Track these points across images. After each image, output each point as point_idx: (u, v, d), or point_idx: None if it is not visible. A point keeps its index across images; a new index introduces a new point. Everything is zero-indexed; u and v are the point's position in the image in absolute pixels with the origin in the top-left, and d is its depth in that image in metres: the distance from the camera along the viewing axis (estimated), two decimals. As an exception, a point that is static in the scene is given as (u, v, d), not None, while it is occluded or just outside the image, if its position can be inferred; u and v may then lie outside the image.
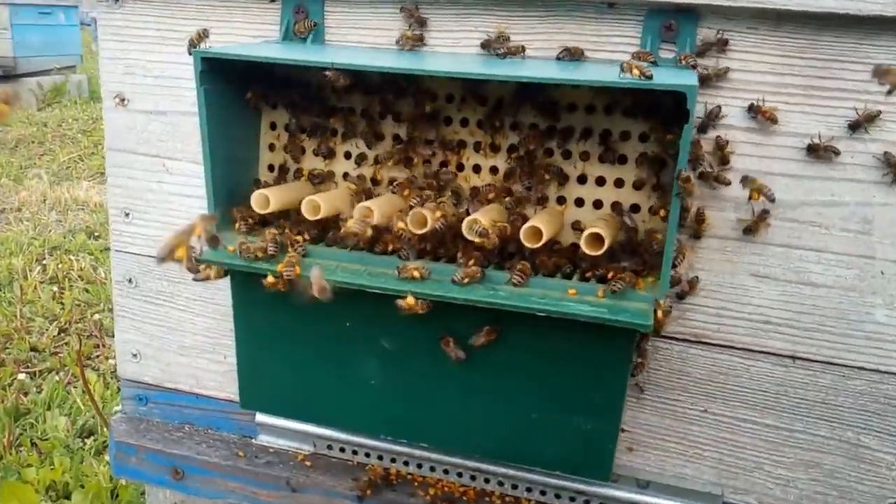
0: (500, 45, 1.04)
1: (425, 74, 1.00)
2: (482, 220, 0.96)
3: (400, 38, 1.08)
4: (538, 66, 0.98)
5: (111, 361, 2.58)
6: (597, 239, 0.93)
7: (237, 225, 1.07)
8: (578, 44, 1.06)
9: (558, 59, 1.02)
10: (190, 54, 1.01)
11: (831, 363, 1.09)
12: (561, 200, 1.07)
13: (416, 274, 0.94)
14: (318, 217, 1.01)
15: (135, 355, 1.41)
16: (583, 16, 1.06)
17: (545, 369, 1.00)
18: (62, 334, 2.89)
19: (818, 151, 1.02)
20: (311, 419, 1.12)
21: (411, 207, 1.01)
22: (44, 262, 3.48)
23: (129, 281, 1.37)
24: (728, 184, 1.04)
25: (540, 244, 0.95)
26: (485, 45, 1.06)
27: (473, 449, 1.08)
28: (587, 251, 0.93)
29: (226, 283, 1.29)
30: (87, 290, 3.20)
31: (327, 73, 0.97)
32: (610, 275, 0.95)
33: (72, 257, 3.52)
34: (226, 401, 1.37)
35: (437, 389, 1.05)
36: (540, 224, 0.94)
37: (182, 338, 1.37)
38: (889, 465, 1.11)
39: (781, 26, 1.00)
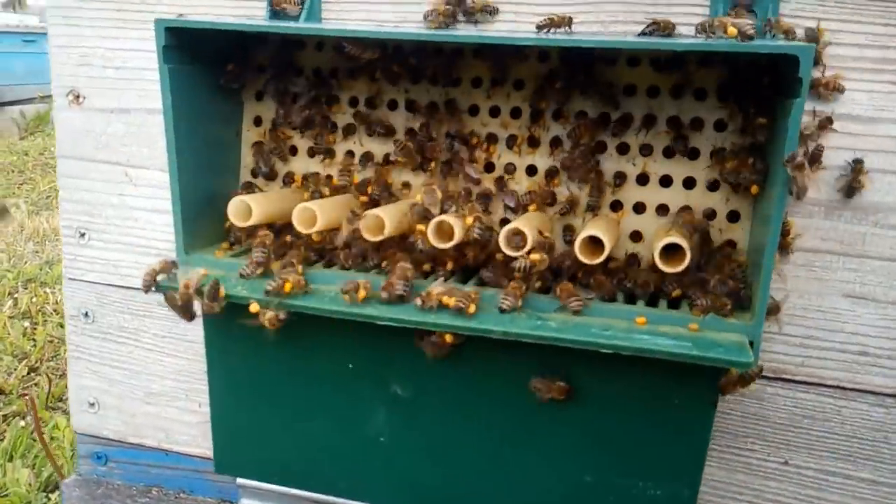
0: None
1: (459, 42, 0.80)
2: (525, 231, 0.76)
3: (429, 13, 0.88)
4: (595, 38, 0.78)
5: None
6: (674, 252, 0.73)
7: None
8: (632, 14, 0.87)
9: (643, 34, 0.82)
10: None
11: (945, 403, 0.90)
12: (616, 206, 0.87)
13: (446, 301, 0.73)
14: (314, 230, 0.80)
15: (92, 404, 1.18)
16: (635, -20, 0.87)
17: (606, 420, 0.79)
18: (32, 374, 2.65)
19: (932, 142, 0.83)
20: (303, 485, 0.90)
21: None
22: (16, 295, 3.25)
23: (86, 315, 1.15)
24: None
25: (600, 260, 0.75)
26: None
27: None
28: (664, 268, 0.73)
29: (201, 317, 1.09)
30: (61, 326, 2.96)
31: (345, 45, 0.76)
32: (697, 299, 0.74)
33: (47, 290, 3.29)
34: (201, 458, 1.16)
35: (465, 447, 0.83)
36: (599, 233, 0.74)
37: (149, 382, 1.15)
38: None
39: (884, -12, 0.81)
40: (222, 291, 0.78)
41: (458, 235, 0.76)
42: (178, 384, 1.14)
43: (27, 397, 1.79)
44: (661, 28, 0.80)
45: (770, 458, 0.97)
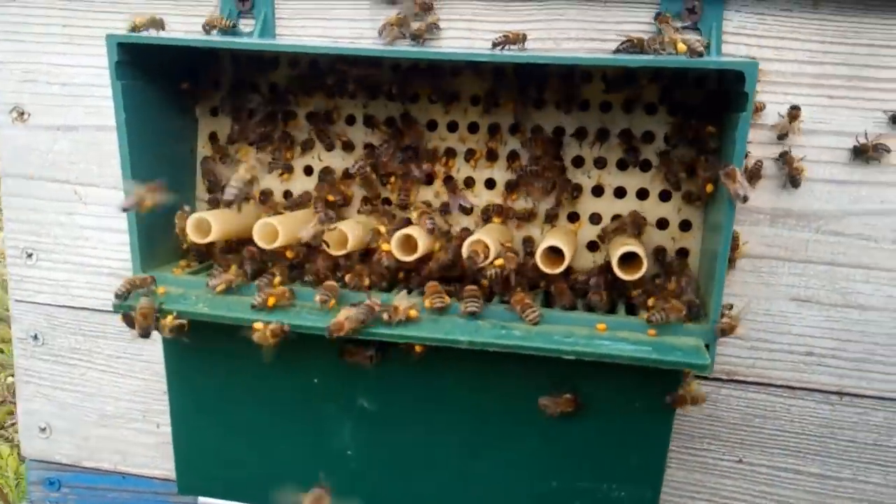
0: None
1: (416, 58, 0.81)
2: (487, 242, 0.77)
3: (383, 28, 0.89)
4: (553, 54, 0.81)
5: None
6: (632, 260, 0.75)
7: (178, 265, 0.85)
8: (584, 31, 0.90)
9: (618, 51, 0.84)
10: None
11: (884, 398, 0.96)
12: (573, 217, 0.89)
13: (413, 314, 0.74)
14: (275, 246, 0.80)
15: (43, 429, 1.15)
16: (589, 1, 0.89)
17: (569, 426, 0.81)
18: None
19: (866, 153, 0.87)
20: (268, 502, 0.90)
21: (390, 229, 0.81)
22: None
23: (35, 338, 1.12)
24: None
25: (560, 269, 0.76)
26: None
27: (481, 530, 0.87)
28: (622, 276, 0.75)
29: (156, 335, 1.07)
30: (0, 351, 2.84)
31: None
32: (650, 302, 0.77)
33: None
34: (161, 480, 1.13)
35: (433, 458, 0.84)
36: (559, 244, 0.76)
37: (103, 404, 1.13)
38: (951, 512, 0.96)
39: (820, 7, 0.86)
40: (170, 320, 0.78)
41: (422, 248, 0.77)
42: (133, 405, 1.12)
43: None
44: (636, 44, 0.82)
45: (725, 456, 1.00)
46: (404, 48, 0.88)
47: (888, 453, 0.96)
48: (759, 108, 0.87)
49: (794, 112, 0.87)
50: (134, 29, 0.86)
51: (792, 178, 0.89)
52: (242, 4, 0.95)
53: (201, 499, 1.08)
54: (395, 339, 0.74)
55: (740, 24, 0.88)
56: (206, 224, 0.80)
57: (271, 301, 0.77)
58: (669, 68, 0.83)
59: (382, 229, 0.82)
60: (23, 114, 1.05)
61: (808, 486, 0.99)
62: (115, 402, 1.13)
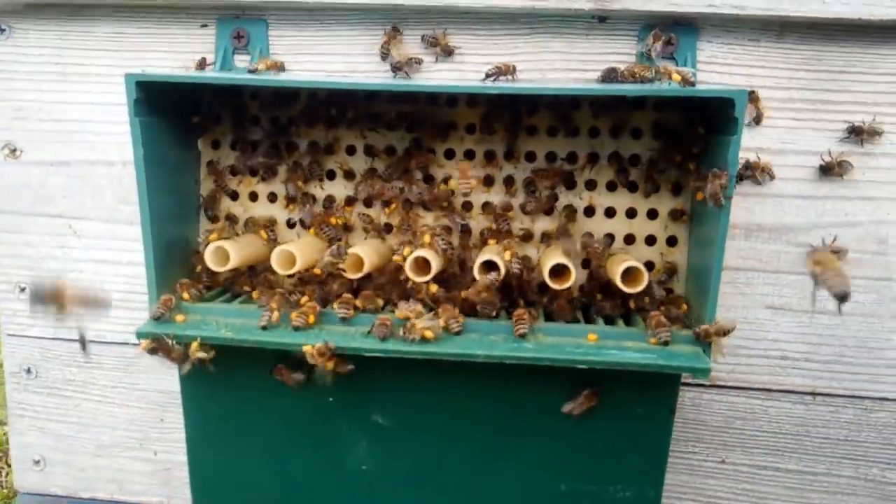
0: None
1: (410, 91, 0.85)
2: (495, 259, 0.82)
3: (400, 63, 0.94)
4: (545, 85, 0.86)
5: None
6: (633, 274, 0.81)
7: (184, 293, 0.87)
8: (567, 62, 0.95)
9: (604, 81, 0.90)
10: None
11: (853, 396, 1.03)
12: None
13: (428, 335, 0.78)
14: (293, 271, 0.83)
15: (37, 462, 1.15)
16: (571, 32, 0.95)
17: (574, 431, 0.86)
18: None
19: (832, 170, 0.95)
20: (285, 522, 0.92)
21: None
22: None
23: (28, 371, 1.12)
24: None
25: (567, 285, 0.82)
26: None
27: (492, 537, 0.91)
28: (625, 289, 0.81)
29: (152, 364, 1.09)
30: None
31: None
32: (654, 322, 0.82)
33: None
34: (158, 507, 1.14)
35: (446, 467, 0.88)
36: (566, 261, 0.81)
37: (99, 435, 1.13)
38: (916, 501, 1.04)
39: (785, 38, 0.93)
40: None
41: (435, 268, 0.82)
42: (130, 434, 1.12)
43: None
44: (619, 74, 0.88)
45: (708, 458, 1.06)
46: (403, 82, 0.93)
47: (858, 448, 1.03)
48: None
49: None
50: (255, 71, 0.91)
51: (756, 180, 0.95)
52: (238, 41, 0.98)
53: (201, 525, 1.10)
54: (415, 356, 0.78)
55: (712, 53, 0.95)
56: (223, 252, 0.83)
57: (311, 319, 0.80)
58: (655, 96, 0.89)
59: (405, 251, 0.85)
60: (14, 150, 1.06)
61: (787, 482, 1.06)
62: (111, 432, 1.13)
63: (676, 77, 0.77)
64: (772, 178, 0.94)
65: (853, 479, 1.04)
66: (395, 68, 0.94)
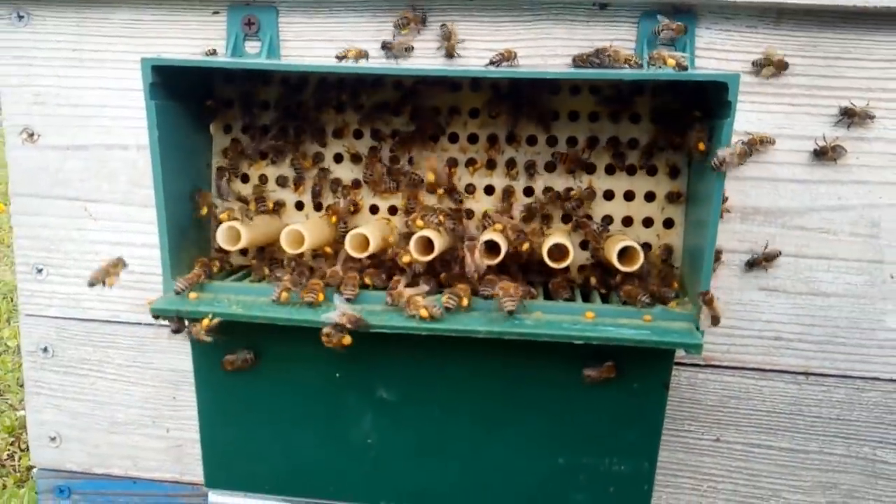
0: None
1: (419, 75, 0.88)
2: (496, 239, 0.85)
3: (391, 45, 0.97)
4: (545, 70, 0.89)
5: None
6: (629, 253, 0.84)
7: (196, 271, 0.90)
8: (568, 49, 0.98)
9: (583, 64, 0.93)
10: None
11: (845, 376, 1.05)
12: (566, 219, 0.97)
13: (424, 313, 0.81)
14: (301, 251, 0.86)
15: (53, 439, 1.18)
16: (573, 19, 0.98)
17: (572, 406, 0.89)
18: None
19: (826, 154, 0.97)
20: (295, 493, 0.95)
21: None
22: None
23: (45, 350, 1.16)
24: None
25: (565, 264, 0.85)
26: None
27: (492, 508, 0.94)
28: (621, 268, 0.83)
29: (166, 344, 1.12)
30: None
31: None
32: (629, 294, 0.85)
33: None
34: (171, 482, 1.18)
35: (446, 442, 0.91)
36: (564, 242, 0.84)
37: (114, 412, 1.17)
38: (907, 478, 1.06)
39: (781, 25, 0.96)
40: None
41: (438, 248, 0.85)
42: (144, 412, 1.16)
43: None
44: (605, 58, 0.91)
45: (704, 436, 1.09)
46: (409, 67, 0.96)
47: (850, 427, 1.06)
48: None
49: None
50: (344, 58, 0.95)
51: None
52: (249, 28, 1.01)
53: (210, 497, 1.13)
54: (419, 332, 0.81)
55: (710, 40, 0.97)
56: (235, 233, 0.86)
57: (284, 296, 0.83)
58: (652, 81, 0.92)
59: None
60: (32, 135, 1.09)
61: (780, 459, 1.08)
62: (125, 410, 1.17)
63: (671, 62, 0.79)
64: (772, 143, 0.96)
65: (845, 457, 1.07)
66: (386, 47, 0.97)
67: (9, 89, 1.09)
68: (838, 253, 1.01)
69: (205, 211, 0.94)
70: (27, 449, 2.27)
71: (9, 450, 2.33)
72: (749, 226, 1.01)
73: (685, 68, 0.79)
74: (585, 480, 0.90)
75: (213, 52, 1.01)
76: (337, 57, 0.97)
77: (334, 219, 0.94)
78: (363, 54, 0.98)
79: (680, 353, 1.02)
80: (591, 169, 0.97)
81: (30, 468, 2.21)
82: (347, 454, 0.92)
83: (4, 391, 2.60)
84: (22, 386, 2.64)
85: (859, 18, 0.94)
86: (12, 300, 3.43)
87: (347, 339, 0.81)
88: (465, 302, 0.83)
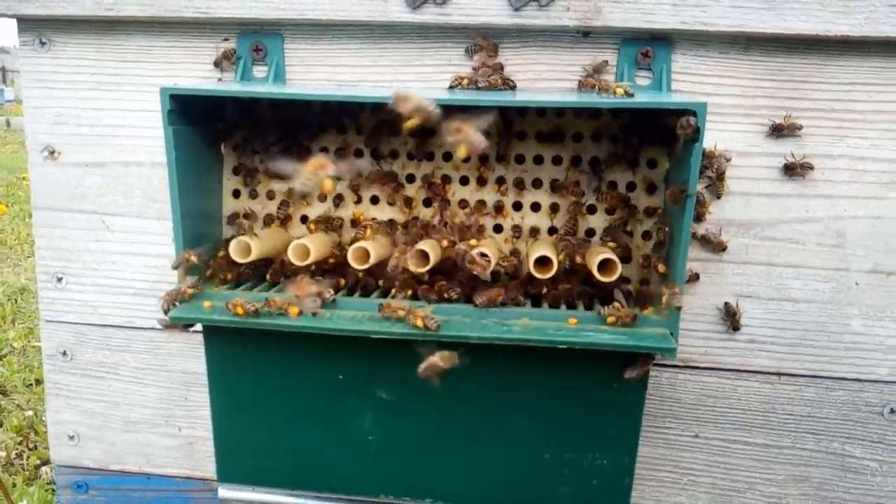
0: (484, 75, 1.02)
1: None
2: (488, 252, 0.92)
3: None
4: (526, 95, 0.96)
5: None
6: (608, 265, 0.91)
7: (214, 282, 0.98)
8: (554, 73, 1.06)
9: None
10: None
11: (815, 376, 1.12)
12: (552, 231, 1.05)
13: (420, 323, 0.88)
14: (307, 262, 0.94)
15: (71, 437, 1.26)
16: (558, 46, 1.05)
17: (557, 406, 0.96)
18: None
19: (793, 169, 1.04)
20: (300, 486, 1.03)
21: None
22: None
23: (64, 354, 1.23)
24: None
25: (550, 274, 0.92)
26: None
27: (484, 499, 1.01)
28: (601, 278, 0.91)
29: (178, 347, 1.19)
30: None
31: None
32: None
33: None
34: (182, 478, 1.25)
35: (442, 439, 0.99)
36: (548, 253, 0.91)
37: (128, 412, 1.24)
38: (873, 471, 1.14)
39: (750, 51, 1.03)
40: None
41: (433, 259, 0.92)
42: (157, 411, 1.23)
43: None
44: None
45: (683, 433, 1.16)
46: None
47: (820, 423, 1.13)
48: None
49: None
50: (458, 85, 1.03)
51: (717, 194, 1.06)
52: (257, 54, 1.09)
53: (220, 492, 1.21)
54: (416, 338, 0.88)
55: (685, 65, 1.04)
56: (245, 246, 0.94)
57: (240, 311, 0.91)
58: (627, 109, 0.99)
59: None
60: (53, 152, 1.16)
61: (755, 454, 1.15)
62: (140, 410, 1.24)
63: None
64: (727, 160, 1.03)
65: (815, 452, 1.14)
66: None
67: (32, 110, 1.16)
68: (807, 261, 1.08)
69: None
70: (35, 448, 2.35)
71: (17, 449, 2.39)
72: (724, 237, 1.08)
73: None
74: (570, 474, 0.98)
75: (229, 54, 1.06)
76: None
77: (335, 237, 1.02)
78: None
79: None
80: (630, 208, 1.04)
81: (38, 467, 2.28)
82: (349, 450, 1.00)
83: (11, 391, 2.67)
84: (28, 386, 2.72)
85: (822, 45, 1.01)
86: (16, 301, 3.50)
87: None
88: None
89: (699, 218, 1.06)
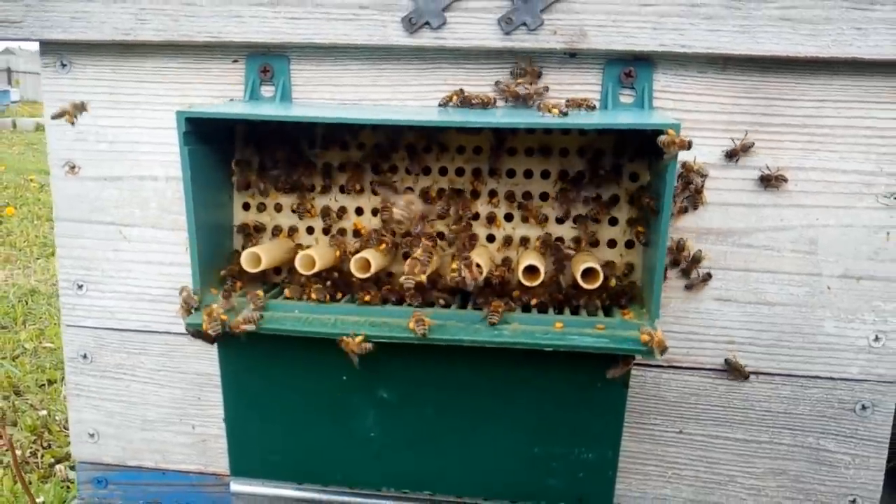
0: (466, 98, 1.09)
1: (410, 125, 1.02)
2: (479, 261, 1.00)
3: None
4: (497, 114, 1.03)
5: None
6: (592, 273, 0.99)
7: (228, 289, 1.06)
8: (544, 89, 1.13)
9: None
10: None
11: (790, 375, 1.18)
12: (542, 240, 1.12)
13: (411, 326, 0.96)
14: (313, 271, 1.01)
15: (91, 435, 1.33)
16: (546, 65, 1.12)
17: (545, 403, 1.03)
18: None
19: (769, 181, 1.11)
20: (308, 479, 1.10)
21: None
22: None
23: (84, 357, 1.30)
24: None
25: (537, 283, 0.99)
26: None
27: (478, 491, 1.09)
28: (585, 286, 0.98)
29: (192, 350, 1.26)
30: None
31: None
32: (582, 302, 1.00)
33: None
34: (196, 473, 1.32)
35: (438, 435, 1.06)
36: (536, 263, 0.99)
37: (145, 412, 1.31)
38: (846, 464, 1.20)
39: (727, 70, 1.09)
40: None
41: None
42: (172, 411, 1.31)
43: (6, 438, 1.86)
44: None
45: (668, 429, 1.22)
46: (397, 117, 1.10)
47: (796, 420, 1.19)
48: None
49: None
50: (448, 102, 1.10)
51: (695, 204, 1.13)
52: (264, 74, 1.16)
53: (232, 486, 1.28)
54: (412, 341, 0.96)
55: (666, 83, 1.11)
56: (256, 257, 1.01)
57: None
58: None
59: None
60: (74, 167, 1.24)
61: (735, 449, 1.21)
62: (155, 409, 1.31)
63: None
64: (703, 176, 1.10)
65: (792, 447, 1.20)
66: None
67: (54, 128, 1.23)
68: (782, 267, 1.14)
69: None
70: (49, 447, 2.42)
71: (31, 447, 2.46)
72: (704, 244, 1.14)
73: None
74: (558, 467, 1.05)
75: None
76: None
77: (338, 253, 1.09)
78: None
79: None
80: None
81: (52, 465, 2.36)
82: (353, 446, 1.07)
83: (25, 392, 2.74)
84: (41, 386, 2.79)
85: (793, 65, 1.07)
86: (27, 303, 3.57)
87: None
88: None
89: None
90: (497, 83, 1.11)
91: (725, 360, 1.17)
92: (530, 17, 1.06)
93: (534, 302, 1.04)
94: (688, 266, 1.13)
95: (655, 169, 1.03)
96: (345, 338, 0.96)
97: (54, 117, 1.10)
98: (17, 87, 15.45)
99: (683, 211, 1.12)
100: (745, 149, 1.10)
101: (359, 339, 0.96)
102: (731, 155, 1.10)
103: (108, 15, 1.14)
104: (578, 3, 1.06)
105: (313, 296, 1.03)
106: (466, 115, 0.99)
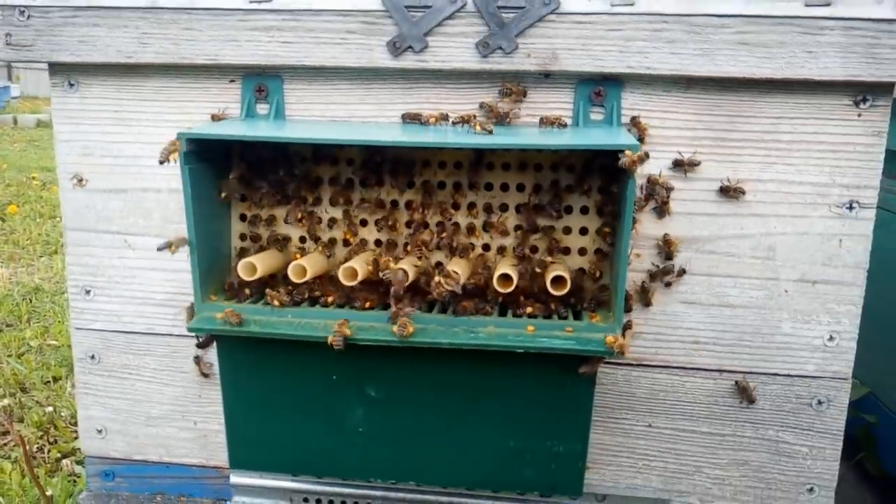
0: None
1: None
2: (458, 270, 1.08)
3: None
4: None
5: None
6: (560, 281, 1.07)
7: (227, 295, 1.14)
8: (519, 110, 1.21)
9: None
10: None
11: (751, 372, 1.26)
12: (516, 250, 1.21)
13: (395, 329, 1.04)
14: (305, 280, 1.10)
15: (99, 431, 1.42)
16: (523, 85, 1.20)
17: (519, 400, 1.12)
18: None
19: (729, 192, 1.19)
20: (302, 471, 1.19)
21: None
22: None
23: (92, 357, 1.38)
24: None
25: (510, 289, 1.08)
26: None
27: (460, 481, 1.18)
28: (554, 292, 1.07)
29: (194, 351, 1.35)
30: None
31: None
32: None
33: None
34: (198, 466, 1.40)
35: (421, 430, 1.15)
36: (510, 271, 1.07)
37: (149, 409, 1.39)
38: (804, 455, 1.28)
39: (690, 89, 1.17)
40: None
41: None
42: (175, 408, 1.39)
43: (16, 434, 1.94)
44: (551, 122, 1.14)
45: (638, 423, 1.30)
46: (382, 139, 1.18)
47: (756, 414, 1.26)
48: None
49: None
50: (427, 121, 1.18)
51: (661, 211, 1.20)
52: (259, 93, 1.24)
53: (232, 479, 1.37)
54: (395, 344, 1.04)
55: (634, 102, 1.18)
56: (251, 266, 1.10)
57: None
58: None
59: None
60: (81, 180, 1.32)
61: (701, 441, 1.29)
62: (159, 407, 1.39)
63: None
64: (668, 189, 1.19)
65: (753, 439, 1.28)
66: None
67: (63, 143, 1.31)
68: (742, 272, 1.22)
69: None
70: (55, 442, 2.50)
71: (38, 443, 2.54)
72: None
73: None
74: (532, 459, 1.14)
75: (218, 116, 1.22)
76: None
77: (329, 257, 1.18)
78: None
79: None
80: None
81: (58, 459, 2.44)
82: (343, 441, 1.16)
83: (30, 388, 2.82)
84: (46, 383, 2.86)
85: (751, 85, 1.15)
86: (31, 301, 3.64)
87: None
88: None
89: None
90: (481, 105, 1.19)
91: (735, 383, 1.24)
92: (506, 42, 1.14)
93: (528, 310, 1.12)
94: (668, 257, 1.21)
95: (619, 181, 1.11)
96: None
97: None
98: (17, 82, 15.48)
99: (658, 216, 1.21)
100: (692, 164, 1.18)
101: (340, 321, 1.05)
102: (678, 164, 1.18)
103: (112, 39, 1.22)
104: (551, 29, 1.14)
105: (275, 302, 1.11)
106: (442, 136, 1.08)
